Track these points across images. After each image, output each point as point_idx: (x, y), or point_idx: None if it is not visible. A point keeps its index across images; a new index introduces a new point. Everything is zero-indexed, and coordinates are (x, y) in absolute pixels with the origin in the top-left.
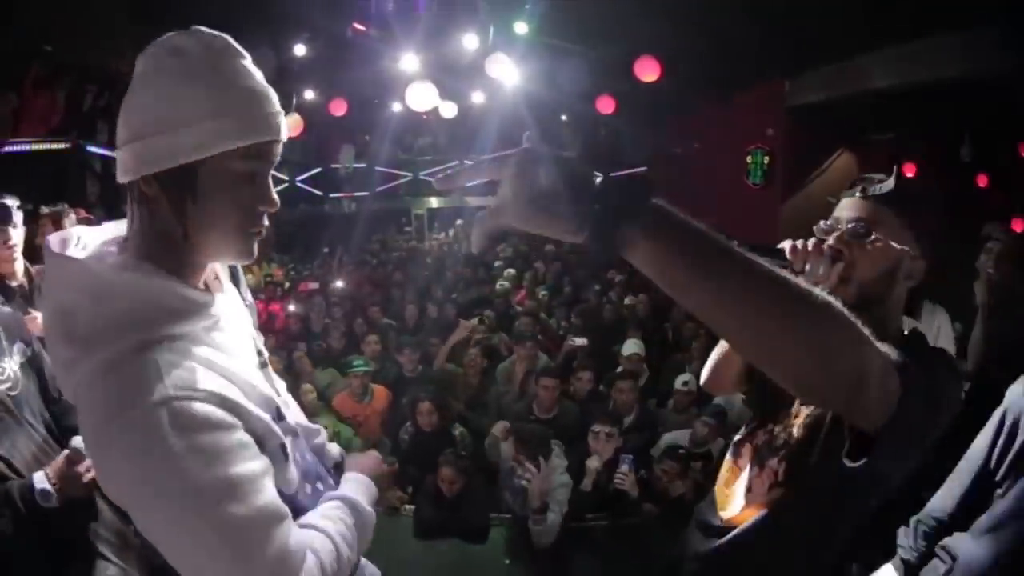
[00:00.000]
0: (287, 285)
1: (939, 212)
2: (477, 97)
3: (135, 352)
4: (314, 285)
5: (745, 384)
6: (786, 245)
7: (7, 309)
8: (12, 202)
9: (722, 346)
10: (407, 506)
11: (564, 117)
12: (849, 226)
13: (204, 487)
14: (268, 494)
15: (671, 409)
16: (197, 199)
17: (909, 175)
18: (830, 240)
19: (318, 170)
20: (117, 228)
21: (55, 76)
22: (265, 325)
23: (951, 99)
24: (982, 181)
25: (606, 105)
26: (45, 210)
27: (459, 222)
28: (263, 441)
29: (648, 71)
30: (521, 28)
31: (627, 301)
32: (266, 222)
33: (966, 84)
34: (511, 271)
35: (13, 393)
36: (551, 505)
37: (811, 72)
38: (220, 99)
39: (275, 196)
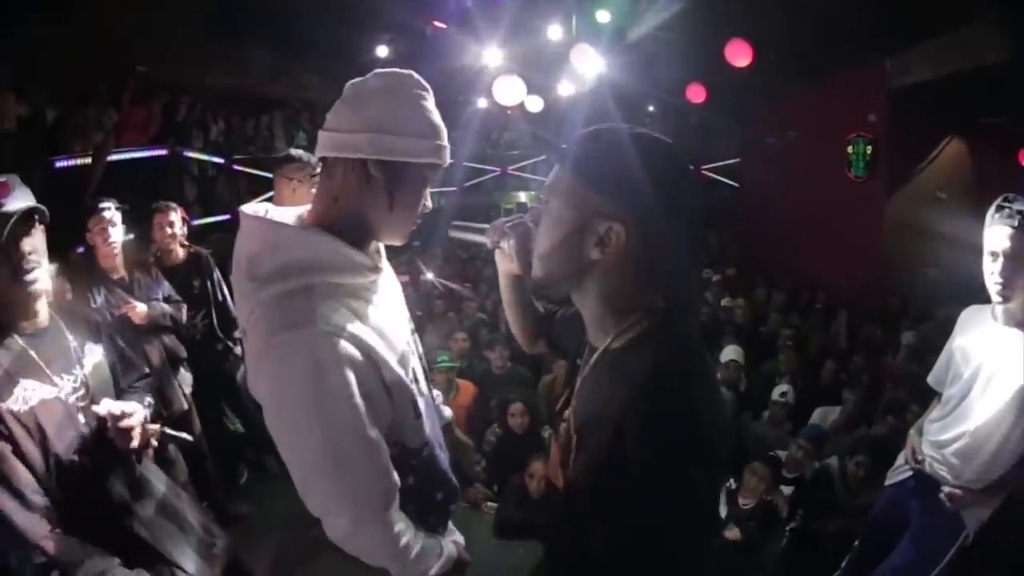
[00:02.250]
0: None
1: None
2: (563, 89)
3: (302, 292)
4: (404, 279)
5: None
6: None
7: (96, 304)
8: (111, 203)
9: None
10: (489, 504)
11: (651, 108)
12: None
13: (327, 407)
14: (374, 433)
15: (766, 422)
16: (401, 189)
17: None
18: (997, 275)
19: None
20: (296, 210)
21: (150, 92)
22: None
23: None
24: None
25: (696, 94)
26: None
27: None
28: (393, 391)
29: (740, 55)
30: (603, 17)
31: (724, 303)
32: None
33: None
34: None
35: (82, 404)
36: None
37: (915, 49)
38: (428, 125)
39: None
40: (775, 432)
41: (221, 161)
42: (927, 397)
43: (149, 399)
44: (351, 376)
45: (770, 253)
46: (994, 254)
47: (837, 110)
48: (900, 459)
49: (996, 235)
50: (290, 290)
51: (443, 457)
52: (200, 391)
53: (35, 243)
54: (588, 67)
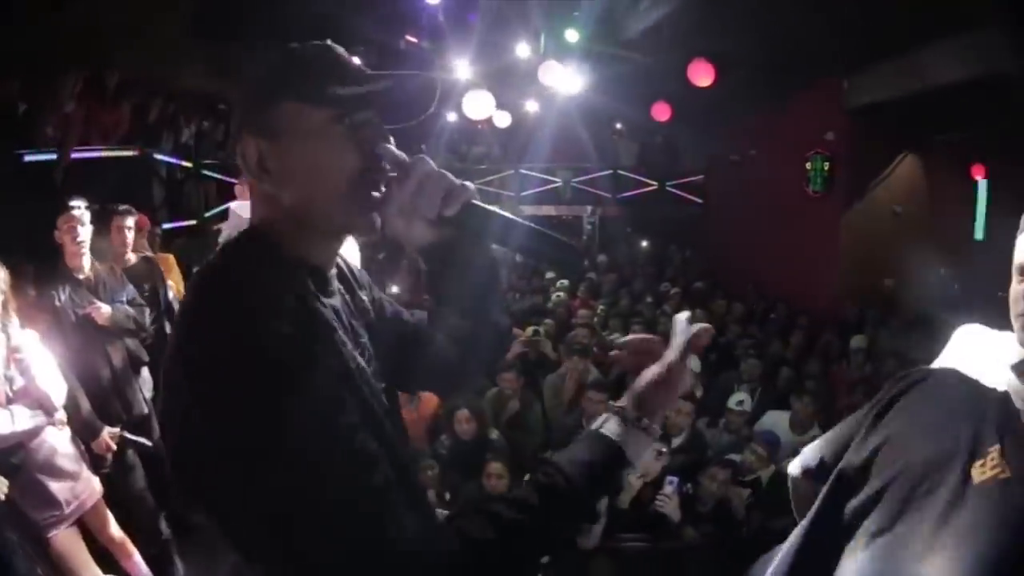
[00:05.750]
0: None
1: None
2: (531, 106)
3: None
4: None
5: None
6: None
7: (60, 303)
8: (81, 203)
9: None
10: (441, 512)
11: (619, 125)
12: None
13: None
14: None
15: (723, 429)
16: None
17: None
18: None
19: None
20: None
21: (122, 91)
22: None
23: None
24: None
25: (661, 112)
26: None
27: None
28: None
29: (702, 75)
30: (572, 36)
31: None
32: None
33: None
34: (564, 282)
35: None
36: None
37: (871, 69)
38: None
39: None
40: (732, 438)
41: (190, 165)
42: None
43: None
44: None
45: (732, 266)
46: (1021, 268)
47: (797, 128)
48: None
49: None
50: None
51: None
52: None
53: None
54: (556, 84)
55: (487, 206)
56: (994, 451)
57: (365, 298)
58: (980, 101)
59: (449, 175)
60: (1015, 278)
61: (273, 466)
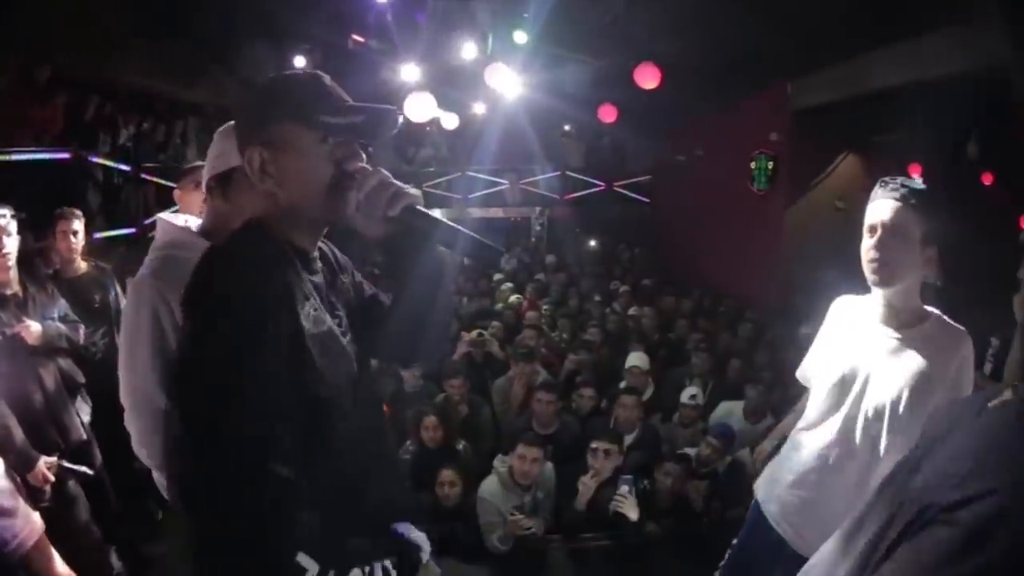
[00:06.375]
0: None
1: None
2: (479, 108)
3: None
4: None
5: None
6: None
7: None
8: (6, 211)
9: None
10: None
11: (567, 127)
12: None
13: None
14: None
15: (677, 423)
16: None
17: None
18: (873, 251)
19: None
20: None
21: (56, 86)
22: None
23: (956, 96)
24: (987, 179)
25: (608, 114)
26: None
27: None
28: None
29: (648, 78)
30: (521, 37)
31: (632, 312)
32: None
33: (971, 80)
34: (510, 284)
35: None
36: None
37: (814, 74)
38: None
39: None
40: (687, 432)
41: (129, 168)
42: None
43: None
44: None
45: (680, 263)
46: (872, 228)
47: (742, 129)
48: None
49: (877, 208)
50: None
51: None
52: (101, 418)
53: None
54: (503, 85)
55: (426, 211)
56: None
57: (346, 280)
58: (917, 105)
59: (397, 183)
60: (865, 236)
61: (201, 377)
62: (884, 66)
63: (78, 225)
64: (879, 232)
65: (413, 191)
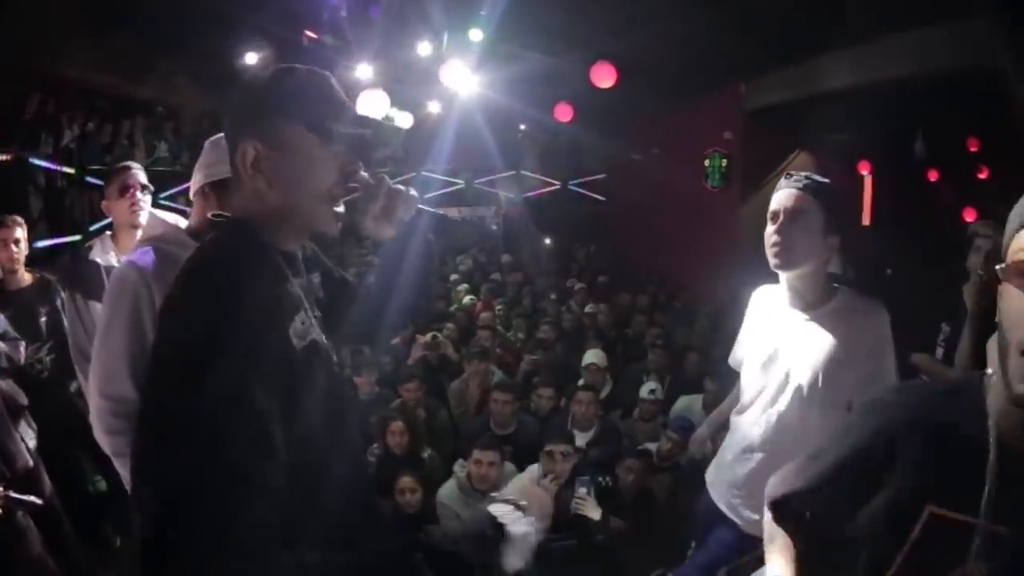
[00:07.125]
0: None
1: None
2: (433, 106)
3: None
4: None
5: None
6: None
7: None
8: None
9: None
10: None
11: (523, 126)
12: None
13: None
14: None
15: (637, 419)
16: None
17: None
18: (774, 235)
19: None
20: None
21: None
22: None
23: (904, 98)
24: (933, 176)
25: (564, 113)
26: None
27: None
28: None
29: (604, 77)
30: (476, 35)
31: (588, 309)
32: None
33: (918, 82)
34: (466, 285)
35: None
36: None
37: (768, 75)
38: None
39: None
40: (647, 427)
41: (73, 171)
42: None
43: None
44: None
45: (636, 260)
46: (775, 214)
47: (696, 128)
48: None
49: (780, 196)
50: None
51: None
52: (49, 442)
53: None
54: (458, 84)
55: (423, 206)
56: None
57: (316, 278)
58: (866, 105)
59: (403, 188)
60: (768, 223)
61: (184, 388)
62: (834, 68)
63: (20, 233)
64: (781, 218)
65: (413, 191)
